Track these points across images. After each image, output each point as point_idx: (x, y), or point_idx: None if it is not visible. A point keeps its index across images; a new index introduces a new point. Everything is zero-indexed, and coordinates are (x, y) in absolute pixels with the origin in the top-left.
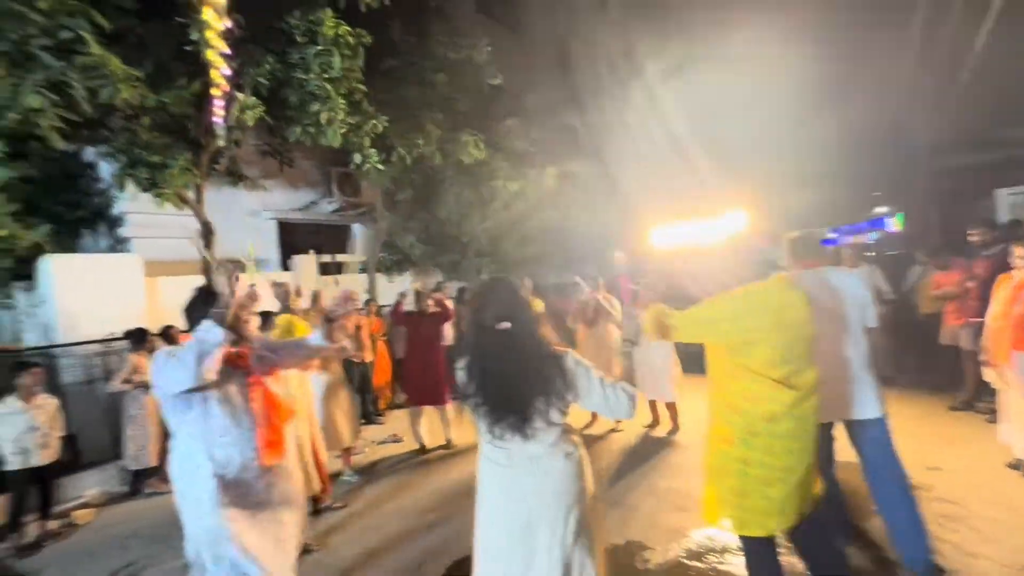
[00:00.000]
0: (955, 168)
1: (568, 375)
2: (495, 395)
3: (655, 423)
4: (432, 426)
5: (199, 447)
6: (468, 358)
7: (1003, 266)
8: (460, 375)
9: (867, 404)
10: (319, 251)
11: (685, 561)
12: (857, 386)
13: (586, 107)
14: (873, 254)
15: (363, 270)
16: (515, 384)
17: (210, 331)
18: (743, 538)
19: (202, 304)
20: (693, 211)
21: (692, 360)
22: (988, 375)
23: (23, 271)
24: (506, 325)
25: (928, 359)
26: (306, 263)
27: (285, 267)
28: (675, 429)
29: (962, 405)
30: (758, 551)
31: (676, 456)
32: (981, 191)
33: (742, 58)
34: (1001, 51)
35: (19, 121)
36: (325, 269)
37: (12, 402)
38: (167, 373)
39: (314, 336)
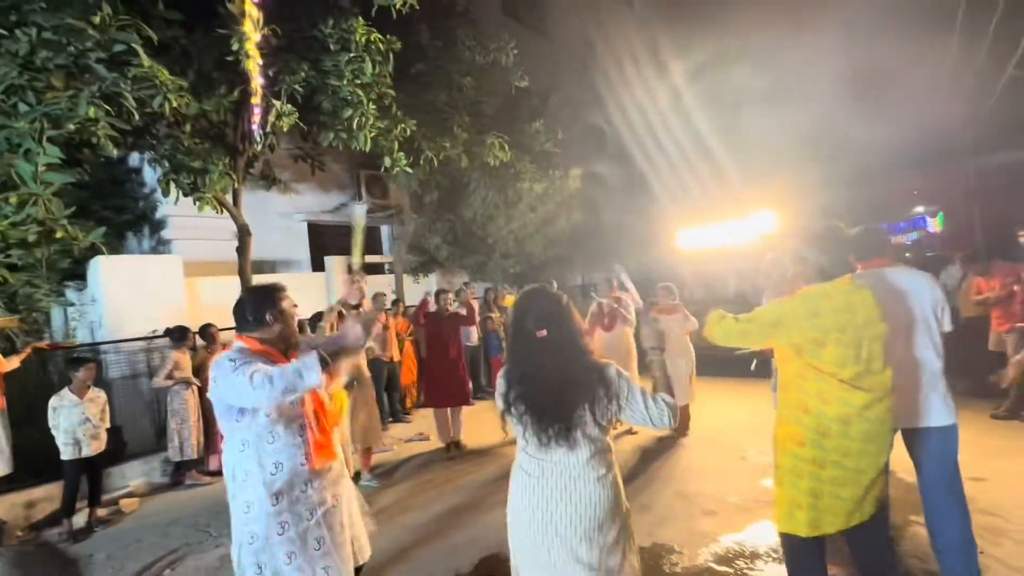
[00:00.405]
0: (999, 166)
1: (611, 386)
2: (540, 403)
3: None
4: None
5: (250, 453)
6: (508, 365)
7: None
8: (500, 383)
9: (938, 411)
10: (349, 252)
11: (714, 566)
12: (926, 392)
13: (612, 108)
14: (910, 255)
15: (391, 271)
16: (557, 392)
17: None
18: (793, 539)
19: (251, 306)
20: (723, 212)
21: (705, 364)
22: None
23: (76, 271)
24: (545, 332)
25: (969, 364)
26: (337, 264)
27: (316, 268)
28: (684, 433)
29: (1006, 413)
30: (807, 554)
31: (696, 460)
32: None
33: (773, 54)
34: None
35: (76, 130)
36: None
37: (67, 395)
38: (240, 385)
39: (352, 329)
